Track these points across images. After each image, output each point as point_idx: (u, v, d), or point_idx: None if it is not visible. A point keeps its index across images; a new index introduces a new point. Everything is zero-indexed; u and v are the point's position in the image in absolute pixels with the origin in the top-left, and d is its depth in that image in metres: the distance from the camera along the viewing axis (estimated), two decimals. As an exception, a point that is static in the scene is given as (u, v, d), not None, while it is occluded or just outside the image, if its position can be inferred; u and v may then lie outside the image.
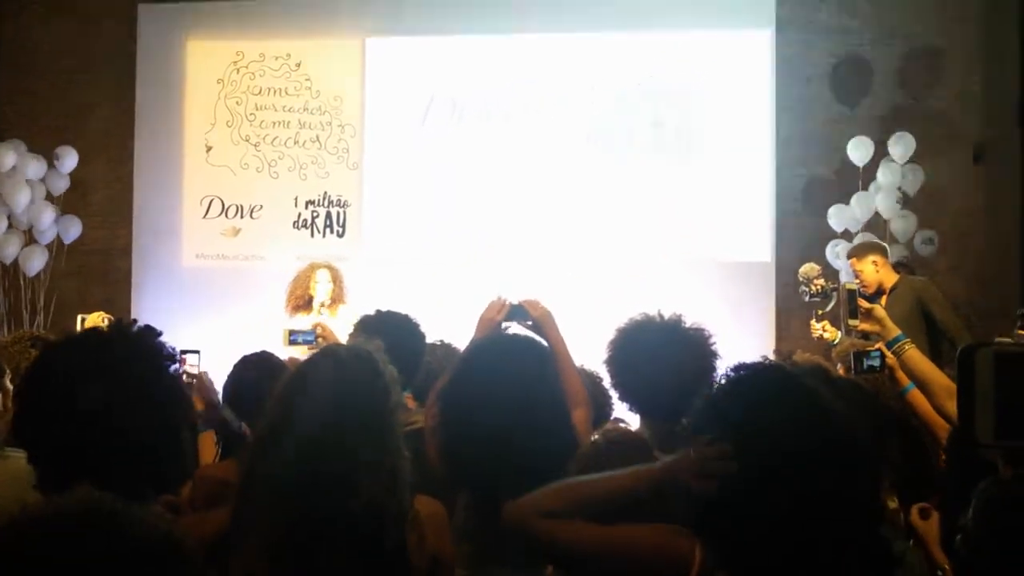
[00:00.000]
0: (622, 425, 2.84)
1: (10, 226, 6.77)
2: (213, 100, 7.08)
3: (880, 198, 6.14)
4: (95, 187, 7.36)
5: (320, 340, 4.19)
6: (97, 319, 4.07)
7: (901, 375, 2.71)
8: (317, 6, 7.07)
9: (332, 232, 6.93)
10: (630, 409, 2.46)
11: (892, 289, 4.94)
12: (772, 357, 4.03)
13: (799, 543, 1.29)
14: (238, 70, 7.08)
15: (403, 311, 2.87)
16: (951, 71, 6.70)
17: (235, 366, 2.90)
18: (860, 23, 6.78)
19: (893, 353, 2.73)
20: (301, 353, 3.76)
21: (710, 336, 2.38)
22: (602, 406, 2.81)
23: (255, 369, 2.82)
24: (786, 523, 1.29)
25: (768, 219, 6.52)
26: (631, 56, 6.70)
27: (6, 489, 1.99)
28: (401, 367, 1.78)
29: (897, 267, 5.29)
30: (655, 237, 6.57)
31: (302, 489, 1.54)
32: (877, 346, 2.80)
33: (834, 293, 4.91)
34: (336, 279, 5.34)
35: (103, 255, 7.33)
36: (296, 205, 6.97)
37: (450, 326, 3.22)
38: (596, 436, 2.12)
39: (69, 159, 6.93)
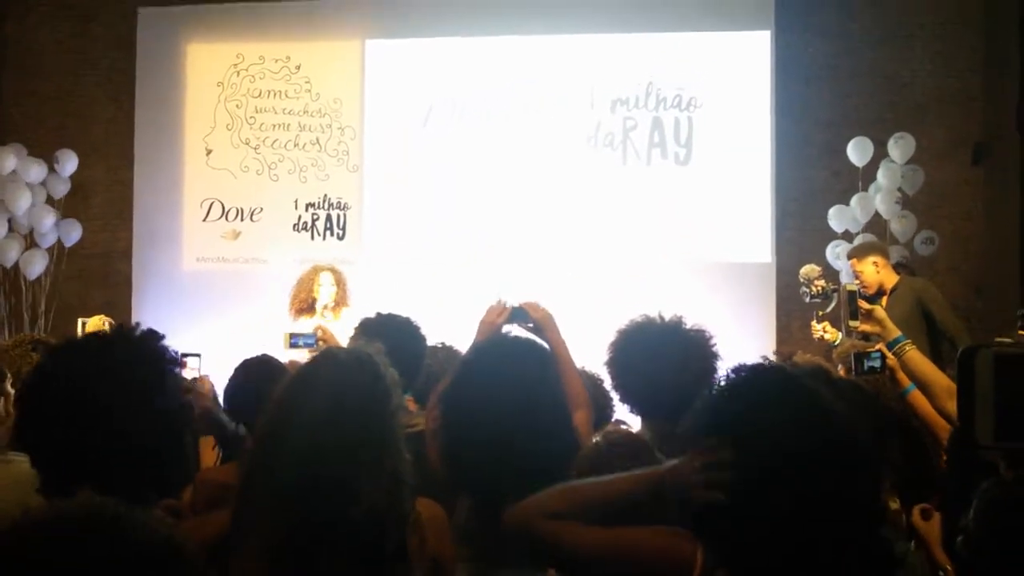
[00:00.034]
0: (623, 427, 2.84)
1: (11, 230, 6.77)
2: (213, 103, 7.09)
3: (880, 199, 6.14)
4: (95, 191, 7.37)
5: (321, 343, 4.19)
6: (98, 323, 4.07)
7: (902, 376, 2.71)
8: (316, 9, 7.08)
9: (332, 235, 6.94)
10: (631, 411, 2.46)
11: (892, 290, 4.94)
12: (772, 358, 4.03)
13: (800, 544, 1.29)
14: (238, 73, 7.09)
15: (404, 314, 2.86)
16: (951, 72, 6.70)
17: (236, 369, 2.90)
18: (859, 24, 6.79)
19: (894, 354, 2.73)
20: (302, 356, 3.76)
21: (711, 337, 2.38)
22: (603, 408, 2.81)
23: (256, 372, 2.81)
24: (787, 524, 1.29)
25: (768, 220, 6.53)
26: (631, 58, 6.71)
27: (8, 493, 1.99)
28: (402, 370, 1.78)
29: (897, 268, 5.29)
30: (655, 238, 6.58)
31: (302, 492, 1.54)
32: (878, 347, 2.80)
33: (835, 294, 4.91)
34: (339, 282, 5.35)
35: (104, 258, 7.34)
36: (296, 208, 6.98)
37: (451, 328, 3.21)
38: (597, 438, 2.12)
39: (69, 162, 6.94)
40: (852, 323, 3.02)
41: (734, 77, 6.59)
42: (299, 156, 7.01)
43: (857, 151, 6.27)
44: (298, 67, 7.03)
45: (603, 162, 6.68)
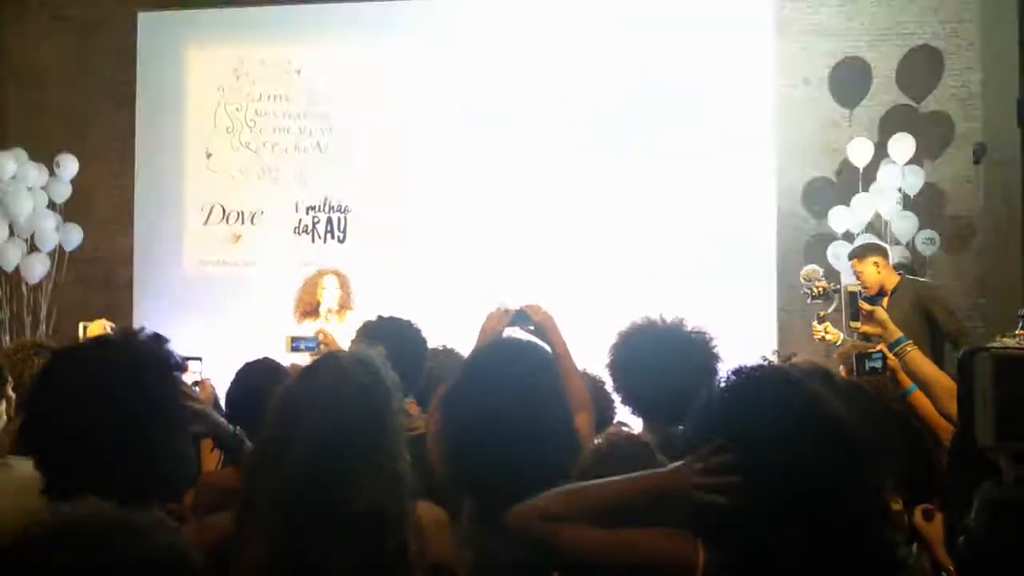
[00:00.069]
0: (625, 429, 2.84)
1: (11, 234, 6.78)
2: (213, 107, 7.09)
3: (881, 199, 6.14)
4: (96, 195, 7.37)
5: (322, 347, 4.19)
6: (99, 327, 4.06)
7: (903, 377, 2.71)
8: (315, 12, 7.08)
9: (333, 238, 6.94)
10: (632, 413, 2.46)
11: (893, 291, 4.94)
12: (772, 359, 4.03)
13: (802, 546, 1.29)
14: (238, 77, 7.09)
15: (405, 316, 2.87)
16: (951, 71, 6.70)
17: (237, 373, 2.90)
18: (859, 24, 6.78)
19: (895, 355, 2.73)
20: (304, 360, 3.76)
21: (712, 339, 2.38)
22: (604, 410, 2.80)
23: (257, 375, 2.81)
24: (788, 526, 1.29)
25: (769, 221, 6.52)
26: (631, 58, 6.71)
27: (9, 498, 1.99)
28: (403, 373, 1.78)
29: (898, 268, 5.28)
30: (656, 239, 6.58)
31: (303, 494, 1.55)
32: (879, 348, 2.80)
33: (836, 295, 4.91)
34: (344, 285, 5.35)
35: (105, 262, 7.34)
36: (297, 211, 6.98)
37: (452, 331, 3.22)
38: (599, 440, 2.12)
39: (69, 166, 6.95)
40: (853, 324, 3.02)
41: (734, 78, 6.59)
42: (299, 159, 7.02)
43: (857, 151, 6.26)
44: (298, 70, 7.04)
45: (603, 163, 6.68)
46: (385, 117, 6.91)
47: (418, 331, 2.80)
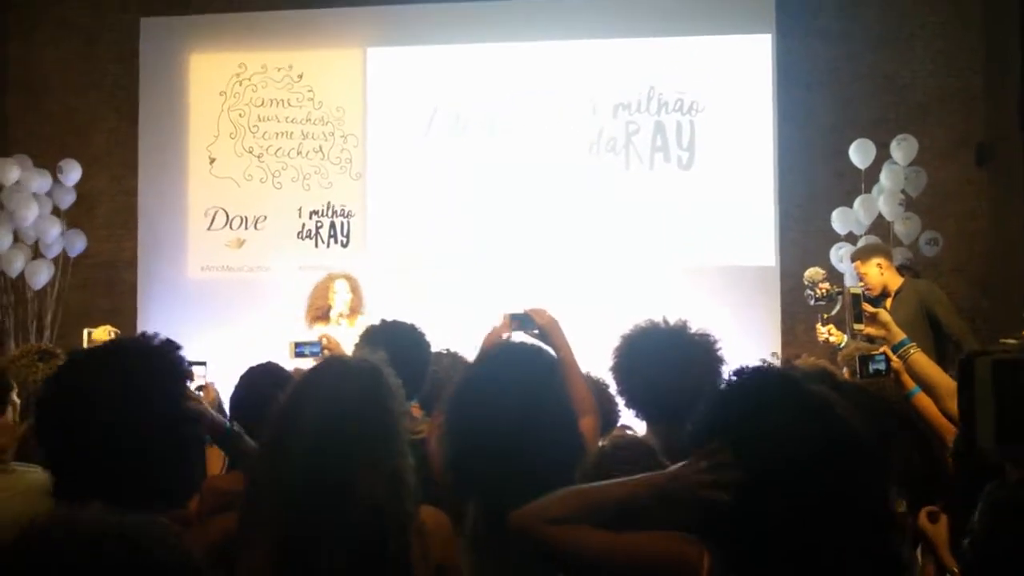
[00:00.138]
0: (629, 432, 2.84)
1: (16, 240, 6.80)
2: (216, 112, 7.11)
3: (883, 201, 6.13)
4: (100, 200, 7.40)
5: (326, 352, 4.19)
6: (103, 333, 4.08)
7: (907, 378, 2.70)
8: (318, 17, 7.10)
9: (336, 242, 6.95)
10: (636, 416, 2.46)
11: (897, 292, 4.93)
12: (772, 360, 4.03)
13: (807, 549, 1.29)
14: (240, 82, 7.11)
15: (408, 320, 2.87)
16: (952, 72, 6.71)
17: (241, 377, 2.91)
18: (860, 26, 6.79)
19: (899, 357, 2.73)
20: (307, 365, 3.76)
21: (715, 341, 2.38)
22: (608, 413, 2.81)
23: (261, 380, 2.82)
24: (792, 528, 1.29)
25: (771, 223, 6.52)
26: (632, 63, 6.72)
27: (15, 504, 2.00)
28: (406, 377, 1.79)
29: (901, 270, 5.27)
30: (659, 243, 6.58)
31: (306, 495, 1.56)
32: (882, 350, 2.80)
33: (839, 297, 4.90)
34: (354, 289, 5.34)
35: (109, 268, 7.36)
36: (300, 216, 6.99)
37: (456, 335, 3.22)
38: (603, 443, 2.12)
39: (73, 172, 6.97)
40: (856, 326, 3.01)
41: (736, 81, 6.60)
42: (302, 164, 7.03)
43: (859, 153, 6.26)
44: (300, 76, 7.06)
45: (606, 167, 6.69)
46: (388, 122, 6.93)
47: (422, 335, 2.80)
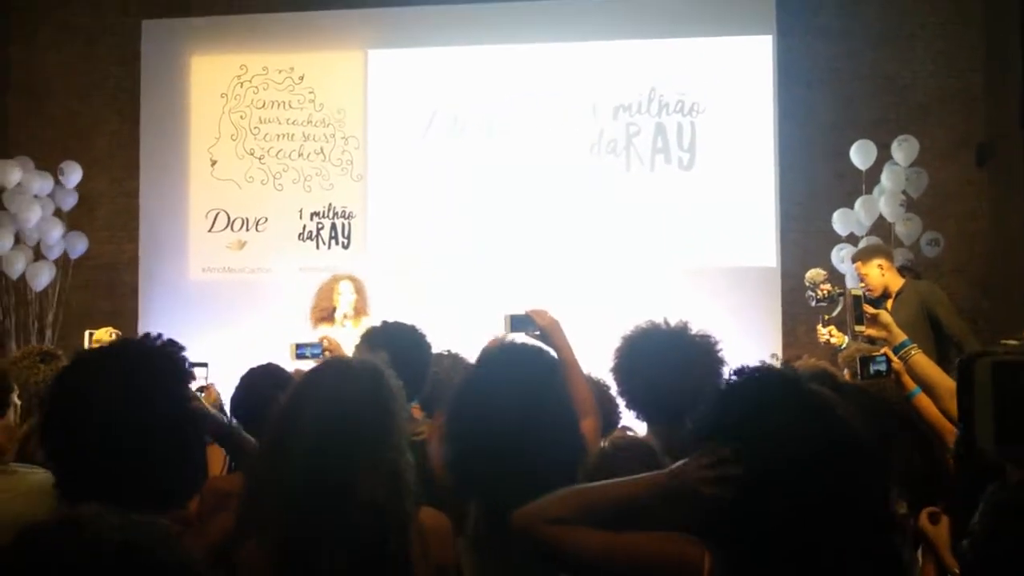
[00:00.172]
0: (629, 433, 2.84)
1: (17, 242, 6.81)
2: (217, 114, 7.12)
3: (884, 202, 6.13)
4: (101, 202, 7.41)
5: (327, 353, 4.19)
6: (105, 334, 4.07)
7: (907, 380, 2.70)
8: (319, 19, 7.11)
9: (337, 244, 6.96)
10: (637, 417, 2.46)
11: (898, 293, 4.93)
12: (772, 361, 4.02)
13: (807, 549, 1.29)
14: (241, 84, 7.12)
15: (409, 322, 2.87)
16: (953, 73, 6.70)
17: (242, 378, 2.91)
18: (860, 24, 6.79)
19: (900, 358, 2.72)
20: (308, 366, 3.76)
21: (716, 343, 2.38)
22: (609, 414, 2.81)
23: (261, 381, 2.82)
24: (793, 529, 1.29)
25: (772, 224, 6.52)
26: (632, 63, 6.72)
27: (17, 505, 2.00)
28: (407, 378, 1.79)
29: (902, 271, 5.27)
30: (660, 245, 6.58)
31: (306, 496, 1.56)
32: (883, 351, 2.79)
33: (840, 298, 4.90)
34: (359, 290, 5.33)
35: (110, 270, 7.37)
36: (301, 217, 7.00)
37: (457, 336, 3.22)
38: (604, 444, 2.12)
39: (73, 174, 6.98)
40: (857, 327, 3.01)
41: (736, 81, 6.60)
42: (303, 166, 7.04)
43: (860, 154, 6.26)
44: (301, 77, 7.06)
45: (607, 168, 6.69)
46: (388, 124, 6.93)
47: (422, 336, 2.80)
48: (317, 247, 6.96)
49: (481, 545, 1.97)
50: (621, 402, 2.51)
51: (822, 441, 1.32)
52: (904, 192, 6.12)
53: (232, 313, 6.75)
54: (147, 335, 1.71)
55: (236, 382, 2.92)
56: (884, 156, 6.23)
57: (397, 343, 2.59)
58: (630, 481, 1.48)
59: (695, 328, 2.40)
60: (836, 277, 5.78)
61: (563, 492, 1.51)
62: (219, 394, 3.76)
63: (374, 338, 2.76)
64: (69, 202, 7.03)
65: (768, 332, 6.32)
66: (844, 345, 4.55)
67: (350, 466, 1.58)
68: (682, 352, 2.32)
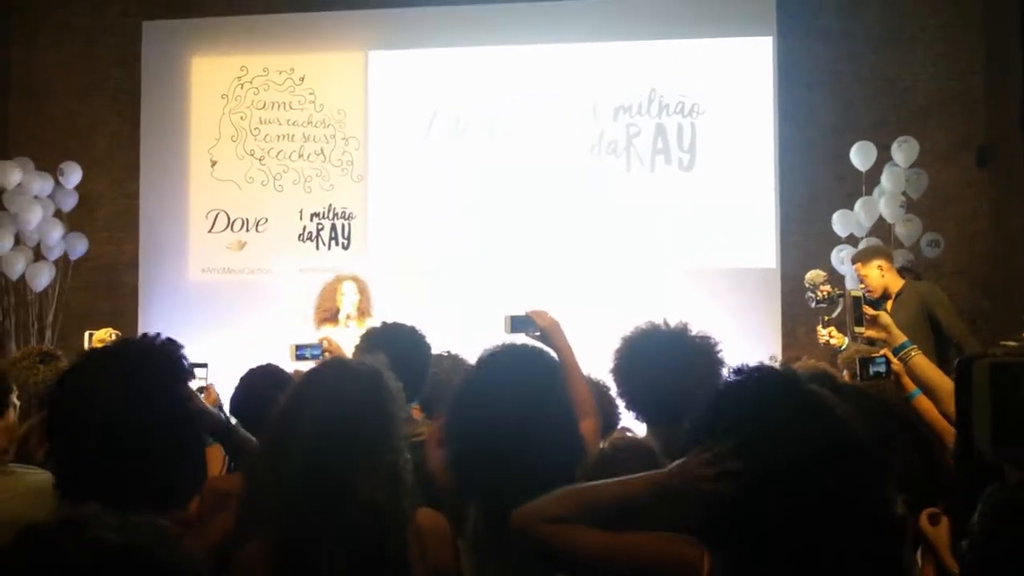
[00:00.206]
0: (629, 434, 2.84)
1: (17, 242, 6.81)
2: (218, 115, 7.12)
3: (884, 203, 6.13)
4: (101, 203, 7.41)
5: (326, 354, 4.19)
6: (105, 335, 4.07)
7: (907, 381, 2.70)
8: (319, 20, 7.12)
9: (337, 244, 6.96)
10: (636, 418, 2.46)
11: (898, 294, 4.93)
12: (771, 362, 4.02)
13: (806, 550, 1.29)
14: (242, 85, 7.12)
15: (409, 323, 2.87)
16: (952, 74, 6.71)
17: (242, 379, 2.92)
18: (860, 27, 6.79)
19: (899, 359, 2.72)
20: (308, 367, 3.76)
21: (716, 344, 2.38)
22: (608, 415, 2.81)
23: (261, 381, 2.83)
24: (792, 529, 1.29)
25: (772, 225, 6.52)
26: (633, 65, 6.72)
27: (16, 505, 2.00)
28: (407, 379, 1.79)
29: (902, 272, 5.27)
30: (660, 246, 6.58)
31: (306, 496, 1.56)
32: (883, 352, 2.79)
33: (840, 299, 4.90)
34: (362, 291, 5.33)
35: (110, 270, 7.37)
36: (301, 218, 7.00)
37: (457, 337, 3.22)
38: (604, 445, 2.12)
39: (73, 174, 6.98)
40: (857, 329, 3.01)
41: (737, 83, 6.60)
42: (304, 167, 7.04)
43: (860, 155, 6.26)
44: (302, 78, 7.07)
45: (607, 169, 6.69)
46: (389, 125, 6.94)
47: (422, 337, 2.80)
48: (317, 248, 6.96)
49: (481, 547, 1.97)
50: (621, 403, 2.51)
51: (821, 442, 1.32)
52: (904, 193, 6.12)
53: (232, 314, 6.75)
54: (145, 334, 1.71)
55: (236, 383, 2.92)
56: (884, 157, 6.23)
57: (397, 344, 2.59)
58: (629, 480, 1.48)
59: (695, 329, 2.40)
60: (836, 278, 5.78)
61: (562, 491, 1.51)
62: (219, 395, 3.76)
63: (374, 339, 2.76)
64: (69, 203, 7.03)
65: (768, 333, 6.32)
66: (844, 346, 4.55)
67: (349, 467, 1.58)
68: (682, 353, 2.32)
